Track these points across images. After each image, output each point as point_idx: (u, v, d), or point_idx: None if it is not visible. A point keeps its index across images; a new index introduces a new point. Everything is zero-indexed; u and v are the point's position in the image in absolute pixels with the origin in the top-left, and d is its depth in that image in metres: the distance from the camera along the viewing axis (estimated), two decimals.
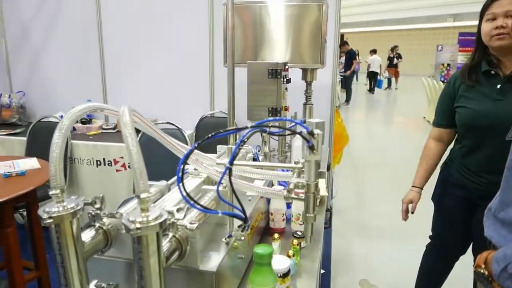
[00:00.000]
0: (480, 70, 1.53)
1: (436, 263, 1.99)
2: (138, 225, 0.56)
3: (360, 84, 16.47)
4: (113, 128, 3.24)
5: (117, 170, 2.83)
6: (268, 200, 1.38)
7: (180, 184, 0.73)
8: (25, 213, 2.40)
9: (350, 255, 2.95)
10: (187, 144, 1.84)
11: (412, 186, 1.80)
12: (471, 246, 1.78)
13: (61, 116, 3.07)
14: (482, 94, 1.51)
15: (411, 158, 2.29)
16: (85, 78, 3.44)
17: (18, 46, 3.57)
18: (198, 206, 0.76)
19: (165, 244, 0.75)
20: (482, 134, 1.52)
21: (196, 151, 0.85)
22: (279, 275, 0.98)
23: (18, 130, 3.22)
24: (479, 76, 1.54)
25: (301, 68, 2.05)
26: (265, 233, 1.35)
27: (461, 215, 1.71)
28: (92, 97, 3.22)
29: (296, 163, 0.83)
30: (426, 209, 1.85)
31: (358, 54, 12.45)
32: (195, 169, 1.11)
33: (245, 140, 0.73)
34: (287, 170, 0.88)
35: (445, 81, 8.35)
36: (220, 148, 1.26)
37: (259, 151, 1.76)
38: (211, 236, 0.96)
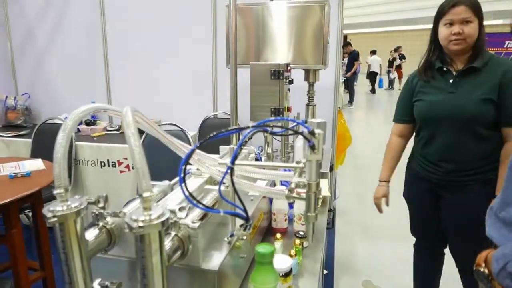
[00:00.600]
0: (434, 67, 1.67)
1: (422, 259, 2.03)
2: (140, 224, 0.57)
3: (360, 85, 16.47)
4: (117, 130, 3.26)
5: (121, 171, 2.85)
6: (271, 200, 1.38)
7: (182, 184, 0.74)
8: (30, 214, 2.42)
9: (354, 256, 2.94)
10: (190, 145, 1.85)
11: (380, 181, 1.91)
12: None
13: (66, 118, 3.09)
14: (437, 88, 1.65)
15: None
16: (89, 80, 3.46)
17: (23, 48, 3.60)
18: (200, 206, 0.77)
19: (168, 243, 0.76)
20: (437, 124, 1.64)
21: (198, 151, 0.86)
22: (281, 274, 0.98)
23: (23, 132, 3.24)
24: (434, 73, 1.67)
25: (303, 69, 2.05)
26: (268, 233, 1.36)
27: (430, 207, 1.79)
28: (97, 99, 3.25)
29: (297, 162, 0.83)
30: None
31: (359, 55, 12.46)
32: (197, 169, 1.12)
33: (247, 140, 0.74)
34: (289, 170, 0.88)
35: None
36: (223, 148, 1.27)
37: (261, 151, 1.77)
38: (213, 235, 0.97)
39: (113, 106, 0.76)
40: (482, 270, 0.91)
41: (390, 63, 15.00)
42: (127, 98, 3.35)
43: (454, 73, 1.62)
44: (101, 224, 0.76)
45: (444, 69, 1.64)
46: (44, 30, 3.49)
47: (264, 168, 0.91)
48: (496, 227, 0.97)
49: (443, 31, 1.58)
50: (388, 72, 15.38)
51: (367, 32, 22.28)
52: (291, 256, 1.09)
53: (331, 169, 2.82)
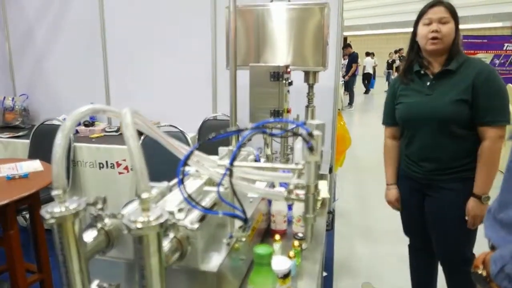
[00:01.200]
0: (413, 71, 1.75)
1: (416, 259, 2.06)
2: (139, 225, 0.57)
3: (357, 87, 16.54)
4: (116, 131, 3.26)
5: (119, 173, 2.84)
6: (270, 202, 1.38)
7: (181, 185, 0.74)
8: (27, 216, 2.42)
9: (353, 257, 2.94)
10: (189, 146, 1.84)
11: (388, 185, 1.95)
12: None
13: (64, 119, 3.08)
14: (415, 91, 1.73)
15: None
16: (88, 81, 3.46)
17: (22, 49, 3.60)
18: (199, 207, 0.77)
19: (166, 245, 0.76)
20: (416, 126, 1.72)
21: (197, 152, 0.86)
22: (279, 276, 0.98)
23: (21, 133, 3.24)
24: (413, 76, 1.75)
25: (303, 71, 2.06)
26: (267, 235, 1.35)
27: (417, 207, 1.83)
28: (95, 100, 3.24)
29: (296, 164, 0.83)
30: None
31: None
32: (196, 170, 1.12)
33: (246, 141, 0.74)
34: (288, 172, 0.88)
35: None
36: (222, 150, 1.26)
37: (260, 153, 1.76)
38: (212, 236, 0.96)
39: (112, 107, 0.76)
40: (480, 272, 0.91)
41: (389, 65, 15.05)
42: (126, 99, 3.34)
43: (431, 76, 1.69)
44: (99, 225, 0.75)
45: (422, 72, 1.71)
46: (43, 31, 3.49)
47: (263, 170, 0.91)
48: (494, 229, 0.97)
49: (422, 30, 1.66)
50: (388, 74, 15.43)
51: (367, 34, 22.33)
52: (290, 257, 1.08)
53: (331, 170, 2.81)
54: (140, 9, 3.19)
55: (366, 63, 14.07)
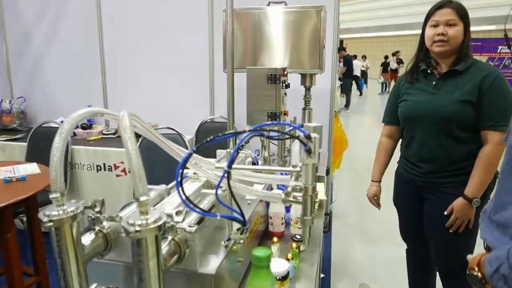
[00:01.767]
0: (419, 70, 1.73)
1: (414, 264, 2.05)
2: (137, 228, 0.57)
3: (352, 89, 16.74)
4: (114, 133, 3.25)
5: (117, 175, 2.83)
6: (267, 204, 1.38)
7: (179, 188, 0.74)
8: (25, 219, 2.41)
9: (350, 259, 2.95)
10: (187, 149, 1.85)
11: (372, 181, 1.95)
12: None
13: (62, 122, 3.07)
14: (420, 90, 1.71)
15: None
16: (85, 83, 3.45)
17: (19, 51, 3.59)
18: (197, 209, 0.77)
19: (164, 247, 0.76)
20: (417, 124, 1.69)
21: (195, 155, 0.86)
22: (277, 278, 0.98)
23: (18, 136, 3.22)
24: (419, 75, 1.73)
25: (300, 73, 2.06)
26: (264, 237, 1.36)
27: (415, 211, 1.82)
28: (93, 103, 3.24)
29: (293, 166, 0.84)
30: None
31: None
32: (194, 173, 1.12)
33: (244, 144, 0.74)
34: (286, 174, 0.89)
35: None
36: (220, 152, 1.27)
37: (258, 155, 1.77)
38: (210, 239, 0.96)
39: (109, 110, 0.76)
40: (475, 273, 0.91)
41: (385, 68, 15.11)
42: (124, 102, 3.34)
43: (437, 75, 1.67)
44: (97, 228, 0.75)
45: (428, 71, 1.69)
46: (40, 34, 3.48)
47: (260, 172, 0.92)
48: (489, 230, 0.97)
49: (428, 32, 1.63)
50: (384, 85, 15.60)
51: (362, 37, 22.42)
52: (288, 259, 1.09)
53: (328, 172, 2.82)
54: (137, 12, 3.19)
55: (354, 66, 14.10)
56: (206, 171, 0.89)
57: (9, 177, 2.05)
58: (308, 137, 0.72)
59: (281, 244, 1.26)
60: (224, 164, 0.79)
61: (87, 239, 0.72)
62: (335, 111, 3.10)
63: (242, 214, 0.81)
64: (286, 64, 1.97)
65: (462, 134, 1.59)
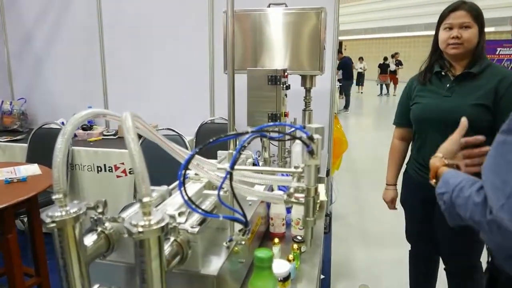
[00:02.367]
0: (433, 71, 1.69)
1: (417, 265, 2.03)
2: (140, 229, 0.57)
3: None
4: (114, 135, 3.26)
5: (117, 176, 2.83)
6: (268, 205, 1.38)
7: (182, 189, 0.74)
8: (25, 219, 2.41)
9: (350, 260, 2.94)
10: (187, 150, 1.85)
11: (388, 185, 1.93)
12: None
13: (62, 123, 3.08)
14: (433, 92, 1.67)
15: None
16: (86, 85, 3.46)
17: (20, 53, 3.59)
18: (200, 210, 0.77)
19: (167, 248, 0.76)
20: (430, 127, 1.66)
21: (197, 156, 0.86)
22: (279, 279, 0.98)
23: (19, 137, 3.23)
24: (432, 77, 1.70)
25: (300, 75, 2.07)
26: (265, 238, 1.36)
27: (425, 214, 1.80)
28: (93, 104, 3.24)
29: (296, 167, 0.84)
30: None
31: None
32: (196, 174, 1.12)
33: (246, 145, 0.74)
34: (287, 175, 0.89)
35: None
36: (221, 153, 1.27)
37: (259, 156, 1.77)
38: (212, 240, 0.97)
39: (111, 111, 0.76)
40: (432, 181, 1.04)
41: (384, 69, 15.09)
42: (124, 103, 3.34)
43: (451, 78, 1.64)
44: (99, 229, 0.75)
45: (443, 73, 1.66)
46: (41, 35, 3.49)
47: (261, 173, 0.92)
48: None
49: (442, 35, 1.61)
50: (382, 86, 15.59)
51: (361, 38, 22.45)
52: (289, 261, 1.09)
53: (328, 174, 2.82)
54: (138, 13, 3.20)
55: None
56: (208, 172, 0.90)
57: (10, 178, 2.06)
58: (311, 138, 0.73)
59: (282, 245, 1.26)
60: (226, 165, 0.79)
61: (90, 240, 0.72)
62: (335, 113, 3.10)
63: (244, 215, 0.82)
64: (286, 66, 1.98)
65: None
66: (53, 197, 0.61)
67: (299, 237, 1.28)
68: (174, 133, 2.61)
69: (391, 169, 1.92)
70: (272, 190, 1.45)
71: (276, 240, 1.23)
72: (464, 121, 1.13)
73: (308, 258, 1.27)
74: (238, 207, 0.80)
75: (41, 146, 2.89)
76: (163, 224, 0.59)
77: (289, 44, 1.97)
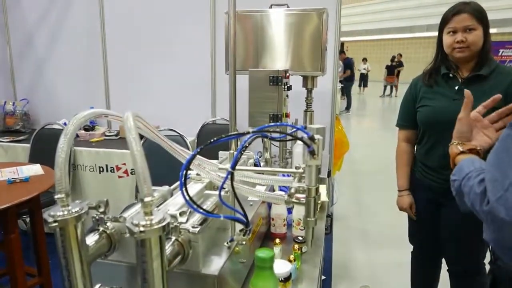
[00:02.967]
0: (440, 73, 1.65)
1: (420, 267, 2.02)
2: (142, 228, 0.57)
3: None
4: (116, 135, 3.26)
5: (119, 177, 2.84)
6: (269, 205, 1.39)
7: (183, 189, 0.74)
8: (28, 219, 2.42)
9: (351, 261, 2.94)
10: (189, 150, 1.85)
11: (399, 191, 1.86)
12: None
13: (65, 123, 3.09)
14: (441, 94, 1.64)
15: None
16: (88, 85, 3.47)
17: (22, 53, 3.61)
18: (201, 210, 0.77)
19: (168, 248, 0.76)
20: (440, 131, 1.60)
21: (198, 156, 0.87)
22: (280, 279, 0.99)
23: (21, 137, 3.24)
24: (438, 79, 1.66)
25: (301, 76, 2.07)
26: (266, 238, 1.36)
27: (430, 217, 1.78)
28: (95, 105, 3.25)
29: (297, 168, 0.84)
30: None
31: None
32: (197, 174, 1.13)
33: (247, 145, 0.74)
34: (288, 175, 0.89)
35: None
36: (222, 154, 1.27)
37: (260, 157, 1.77)
38: (213, 240, 0.97)
39: (113, 111, 0.77)
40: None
41: (391, 70, 15.07)
42: (126, 103, 3.35)
43: (459, 80, 1.61)
44: (101, 229, 0.76)
45: (450, 75, 1.63)
46: (43, 36, 3.50)
47: (263, 173, 0.92)
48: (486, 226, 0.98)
49: (446, 39, 1.58)
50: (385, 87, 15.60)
51: (363, 39, 22.45)
52: (290, 261, 1.09)
53: (329, 174, 2.83)
54: (140, 14, 3.21)
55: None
56: (209, 172, 0.90)
57: (12, 178, 2.06)
58: (312, 138, 0.73)
59: (283, 245, 1.27)
60: (227, 165, 0.79)
61: (91, 239, 0.73)
62: (336, 114, 3.11)
63: (245, 215, 0.82)
64: (288, 66, 1.98)
65: None
66: (56, 196, 0.61)
67: (300, 238, 1.28)
68: (176, 133, 2.62)
69: (401, 173, 1.85)
70: (273, 190, 1.45)
71: (277, 240, 1.23)
72: (468, 94, 1.13)
73: (309, 258, 1.27)
74: (239, 207, 0.80)
75: (43, 147, 2.90)
76: (164, 223, 0.59)
77: (290, 45, 1.98)
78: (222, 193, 0.84)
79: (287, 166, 2.01)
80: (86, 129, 3.26)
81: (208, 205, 0.97)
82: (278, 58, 2.01)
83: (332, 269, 2.76)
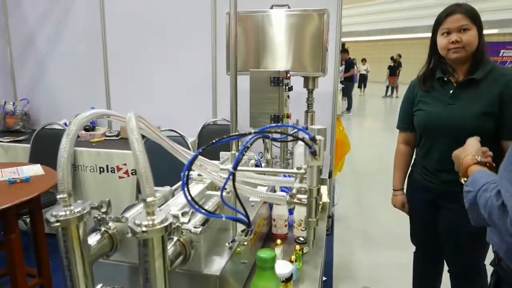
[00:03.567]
0: (435, 77, 1.65)
1: (422, 267, 2.02)
2: (144, 228, 0.57)
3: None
4: (116, 135, 3.26)
5: (120, 177, 2.84)
6: (271, 206, 1.39)
7: (185, 189, 0.74)
8: (28, 220, 2.41)
9: (352, 262, 2.94)
10: (190, 151, 1.85)
11: (394, 190, 1.91)
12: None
13: (65, 123, 3.09)
14: (436, 99, 1.64)
15: None
16: (88, 86, 3.47)
17: (23, 53, 3.61)
18: (203, 211, 0.77)
19: (170, 248, 0.76)
20: (436, 135, 1.63)
21: (200, 157, 0.87)
22: (281, 280, 0.99)
23: (22, 137, 3.24)
24: (434, 83, 1.66)
25: (302, 76, 2.07)
26: (268, 239, 1.36)
27: (430, 218, 1.79)
28: (96, 105, 3.25)
29: (298, 168, 0.84)
30: None
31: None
32: (198, 175, 1.13)
33: (248, 145, 0.75)
34: (289, 176, 0.89)
35: None
36: (223, 154, 1.27)
37: (261, 157, 1.77)
38: (214, 240, 0.97)
39: (115, 112, 0.77)
40: (463, 179, 1.10)
41: (393, 71, 15.09)
42: (126, 104, 3.35)
43: (454, 84, 1.60)
44: (103, 229, 0.76)
45: (445, 79, 1.62)
46: (44, 36, 3.51)
47: (264, 174, 0.92)
48: (496, 231, 0.99)
49: (441, 41, 1.57)
50: (387, 89, 15.62)
51: (363, 40, 22.45)
52: (291, 262, 1.09)
53: (330, 175, 2.82)
54: (141, 14, 3.21)
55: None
56: (211, 172, 0.90)
57: (13, 178, 2.06)
58: (313, 139, 0.73)
59: (285, 246, 1.27)
60: (229, 166, 0.79)
61: (93, 239, 0.73)
62: (337, 114, 3.11)
63: (247, 216, 0.82)
64: (289, 67, 1.98)
65: (484, 145, 1.53)
66: (58, 196, 0.61)
67: (301, 238, 1.28)
68: (177, 134, 2.62)
69: (398, 174, 1.89)
70: (275, 191, 1.45)
71: (279, 241, 1.23)
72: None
73: (310, 259, 1.27)
74: (241, 208, 0.80)
75: (43, 147, 2.90)
76: (166, 223, 0.59)
77: (291, 46, 1.98)
78: (224, 193, 0.84)
79: (288, 166, 2.01)
80: (86, 130, 3.26)
81: (209, 205, 0.97)
82: (279, 59, 2.01)
83: (333, 270, 2.76)
